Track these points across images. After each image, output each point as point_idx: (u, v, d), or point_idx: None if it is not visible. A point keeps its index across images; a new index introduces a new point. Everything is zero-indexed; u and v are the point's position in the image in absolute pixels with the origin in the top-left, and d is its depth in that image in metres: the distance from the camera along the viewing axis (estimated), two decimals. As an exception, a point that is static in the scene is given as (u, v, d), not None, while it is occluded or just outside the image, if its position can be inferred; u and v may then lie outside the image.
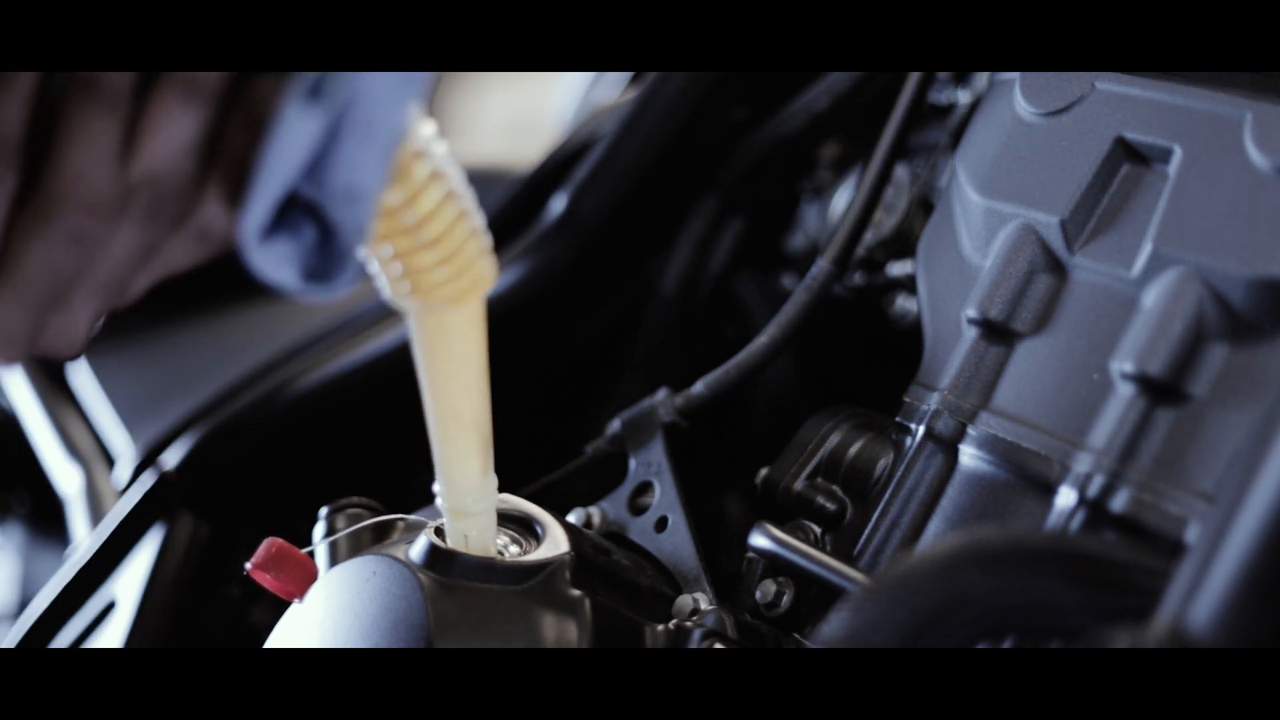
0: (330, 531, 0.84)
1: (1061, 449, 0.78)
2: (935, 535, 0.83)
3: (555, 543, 0.78)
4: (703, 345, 1.24)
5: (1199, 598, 0.60)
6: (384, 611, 0.75)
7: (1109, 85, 0.83)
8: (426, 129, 0.64)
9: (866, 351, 1.12)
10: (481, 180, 0.74)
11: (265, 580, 0.79)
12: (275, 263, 0.63)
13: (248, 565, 0.79)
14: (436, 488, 0.76)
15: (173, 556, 1.15)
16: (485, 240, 0.67)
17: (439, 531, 0.77)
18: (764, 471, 0.90)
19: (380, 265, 0.67)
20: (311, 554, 0.82)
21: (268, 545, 0.79)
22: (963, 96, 1.06)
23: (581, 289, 1.24)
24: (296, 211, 0.62)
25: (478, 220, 0.67)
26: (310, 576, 0.79)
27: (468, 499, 0.76)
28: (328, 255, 0.63)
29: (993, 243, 0.85)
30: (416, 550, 0.76)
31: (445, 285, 0.67)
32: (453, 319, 0.69)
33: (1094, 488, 0.75)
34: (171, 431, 1.24)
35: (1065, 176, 0.82)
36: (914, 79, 0.96)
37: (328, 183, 0.61)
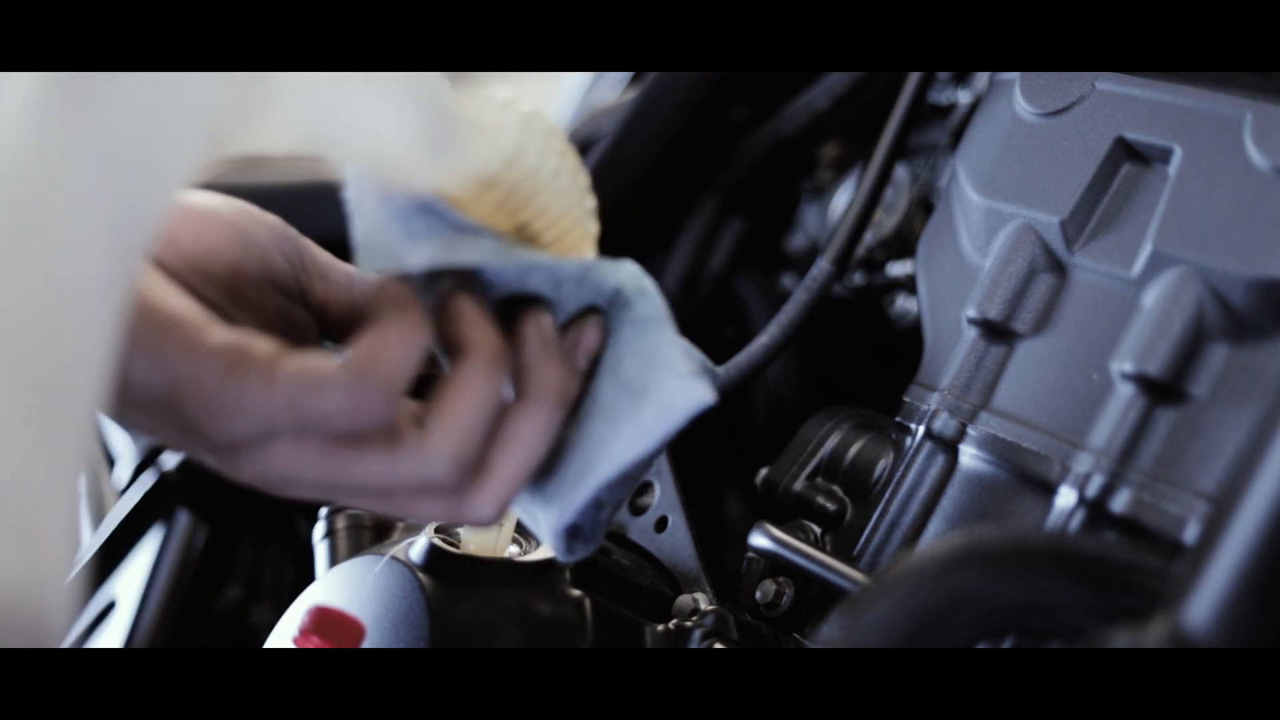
0: (330, 532, 0.84)
1: (1061, 449, 0.78)
2: (935, 535, 0.83)
3: (555, 543, 0.78)
4: (703, 345, 1.24)
5: (1199, 598, 0.60)
6: (384, 611, 0.74)
7: (1109, 85, 0.83)
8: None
9: (866, 351, 1.12)
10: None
11: (315, 644, 0.73)
12: (581, 550, 0.69)
13: (294, 635, 0.73)
14: None
15: (173, 556, 1.14)
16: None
17: (440, 532, 0.77)
18: (764, 471, 0.90)
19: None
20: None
21: (312, 613, 0.73)
22: (963, 96, 1.06)
23: (582, 289, 1.24)
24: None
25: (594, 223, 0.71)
26: (359, 632, 0.74)
27: None
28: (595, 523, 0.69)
29: (993, 243, 0.85)
30: (416, 550, 0.76)
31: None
32: None
33: (1094, 488, 0.75)
34: (172, 432, 1.23)
35: (1065, 176, 0.82)
36: (914, 79, 0.96)
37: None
